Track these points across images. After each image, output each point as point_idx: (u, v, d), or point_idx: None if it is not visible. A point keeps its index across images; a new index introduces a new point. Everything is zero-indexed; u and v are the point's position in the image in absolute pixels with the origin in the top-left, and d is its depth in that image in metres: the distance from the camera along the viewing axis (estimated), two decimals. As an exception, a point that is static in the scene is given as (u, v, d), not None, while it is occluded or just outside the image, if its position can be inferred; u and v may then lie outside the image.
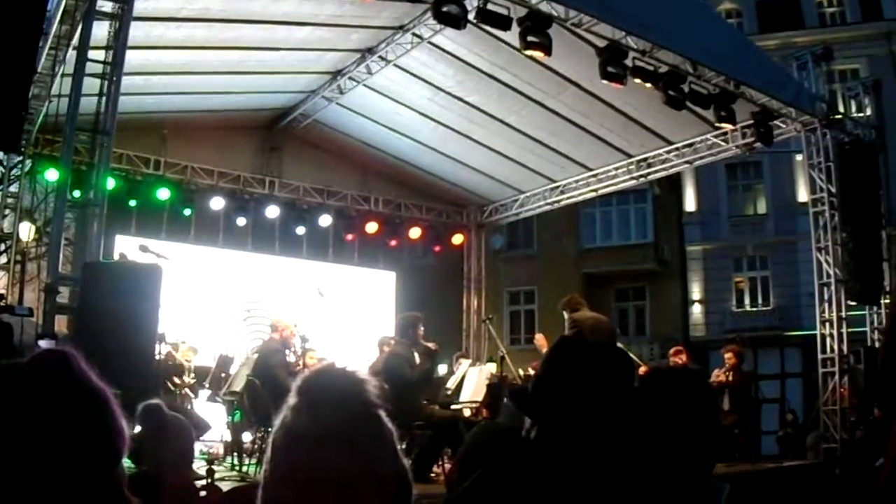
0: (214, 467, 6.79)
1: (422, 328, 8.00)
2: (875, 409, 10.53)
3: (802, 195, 18.06)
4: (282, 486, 1.15)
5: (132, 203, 12.44)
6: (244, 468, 8.31)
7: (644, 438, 1.80)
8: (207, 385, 9.84)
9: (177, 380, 9.47)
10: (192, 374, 9.96)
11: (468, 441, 2.29)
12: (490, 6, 8.88)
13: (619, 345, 6.00)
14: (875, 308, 12.10)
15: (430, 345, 7.97)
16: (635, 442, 1.73)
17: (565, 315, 6.45)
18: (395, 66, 11.54)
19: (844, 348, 11.31)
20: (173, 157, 12.96)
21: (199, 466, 7.08)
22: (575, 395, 1.63)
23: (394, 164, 14.86)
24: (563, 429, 1.62)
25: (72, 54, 7.86)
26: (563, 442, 1.61)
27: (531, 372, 10.03)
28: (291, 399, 1.19)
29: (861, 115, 13.34)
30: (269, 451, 1.18)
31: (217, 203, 13.27)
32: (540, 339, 8.33)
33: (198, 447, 8.18)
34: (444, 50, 11.11)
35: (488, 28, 9.39)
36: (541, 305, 22.66)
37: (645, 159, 13.40)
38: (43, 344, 5.93)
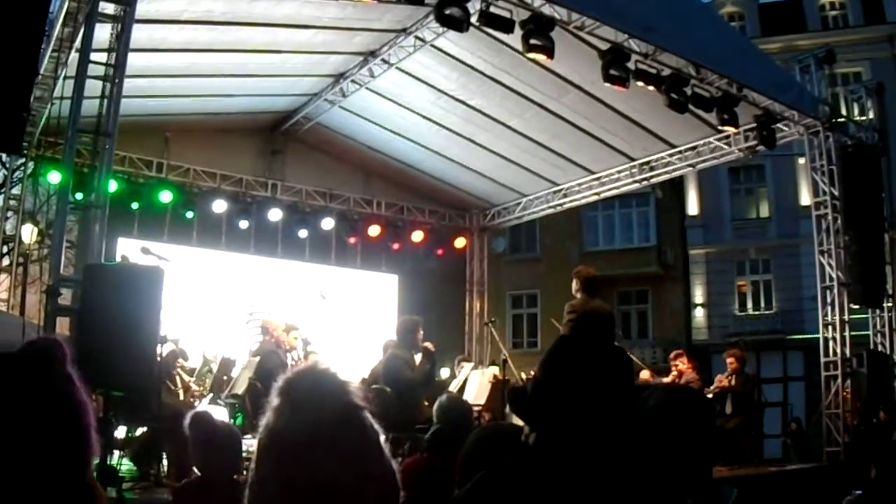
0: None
1: (421, 332, 8.00)
2: (880, 412, 10.53)
3: (805, 198, 18.06)
4: (267, 488, 1.15)
5: (135, 205, 12.43)
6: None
7: (644, 446, 1.79)
8: (209, 388, 9.83)
9: (183, 377, 9.46)
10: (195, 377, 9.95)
11: (471, 442, 2.28)
12: (493, 9, 8.89)
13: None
14: (878, 311, 12.08)
15: (429, 344, 7.97)
16: (634, 449, 1.72)
17: (573, 284, 6.36)
18: (398, 69, 11.53)
19: (847, 351, 11.27)
20: (176, 160, 12.97)
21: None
22: (573, 400, 1.62)
23: (396, 168, 14.86)
24: (561, 435, 1.61)
25: (74, 56, 7.87)
26: (562, 448, 1.59)
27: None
28: (274, 400, 1.18)
29: (863, 118, 13.32)
30: (255, 452, 1.18)
31: (219, 206, 13.27)
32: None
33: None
34: (446, 53, 11.11)
35: (491, 31, 9.40)
36: (543, 309, 22.65)
37: (647, 162, 13.39)
38: None
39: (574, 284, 6.40)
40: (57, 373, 1.21)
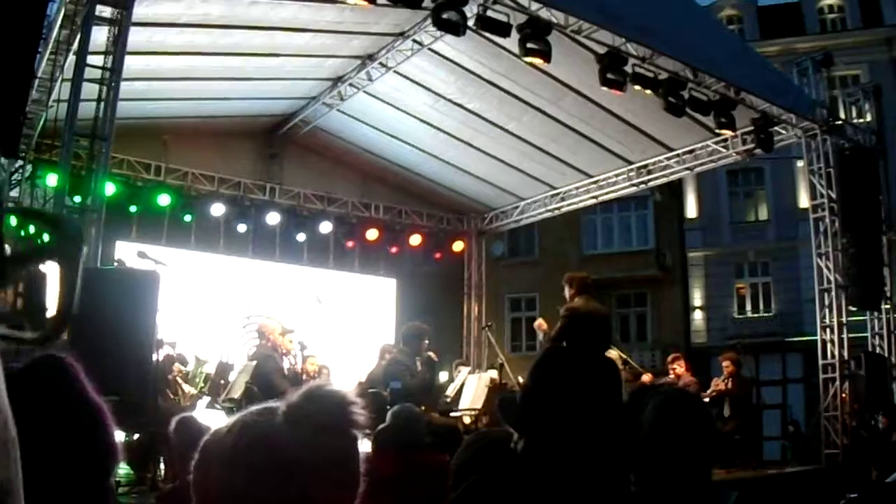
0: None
1: (427, 341, 7.99)
2: (881, 417, 10.53)
3: (803, 201, 18.03)
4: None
5: (133, 209, 12.43)
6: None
7: (642, 451, 1.78)
8: (206, 392, 9.82)
9: (179, 381, 9.45)
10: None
11: (463, 449, 2.28)
12: (489, 13, 8.89)
13: (614, 350, 5.93)
14: (876, 313, 12.08)
15: (432, 354, 7.97)
16: (627, 455, 1.71)
17: (566, 291, 6.30)
18: (396, 72, 11.54)
19: (845, 354, 11.28)
20: (174, 163, 12.96)
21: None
22: (561, 408, 1.61)
23: (394, 171, 14.86)
24: (549, 443, 1.60)
25: (72, 59, 7.88)
26: (550, 456, 1.59)
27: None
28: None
29: (861, 120, 13.33)
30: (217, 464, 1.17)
31: (217, 209, 13.27)
32: (541, 324, 7.65)
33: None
34: (444, 56, 11.12)
35: (488, 35, 9.40)
36: (542, 312, 22.58)
37: (645, 166, 13.39)
38: None
39: (567, 290, 6.34)
40: (73, 382, 1.20)
